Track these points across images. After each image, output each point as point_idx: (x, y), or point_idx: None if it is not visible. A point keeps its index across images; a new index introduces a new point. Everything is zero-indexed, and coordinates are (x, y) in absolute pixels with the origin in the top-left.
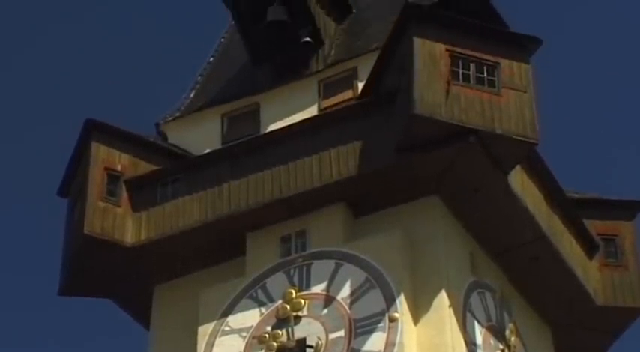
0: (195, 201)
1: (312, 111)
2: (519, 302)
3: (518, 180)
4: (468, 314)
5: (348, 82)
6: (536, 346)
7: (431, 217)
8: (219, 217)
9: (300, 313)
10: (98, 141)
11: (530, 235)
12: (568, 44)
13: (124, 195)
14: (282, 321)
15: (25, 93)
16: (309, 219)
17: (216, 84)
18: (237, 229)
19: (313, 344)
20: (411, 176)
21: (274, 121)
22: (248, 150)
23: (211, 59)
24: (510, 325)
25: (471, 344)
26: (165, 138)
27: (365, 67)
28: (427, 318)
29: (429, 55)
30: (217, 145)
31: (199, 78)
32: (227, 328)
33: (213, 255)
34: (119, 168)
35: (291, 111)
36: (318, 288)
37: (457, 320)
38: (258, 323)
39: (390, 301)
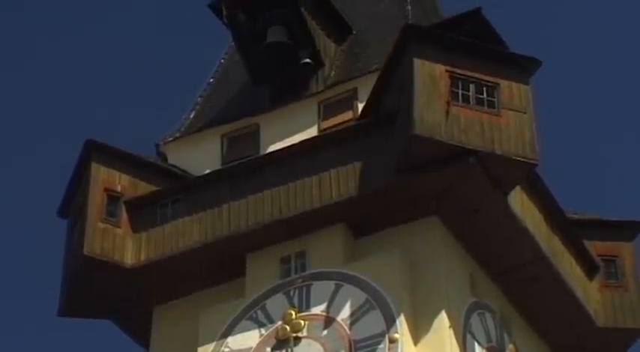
0: (195, 222)
1: (312, 132)
2: (519, 323)
3: (518, 201)
4: (468, 335)
5: (348, 102)
6: None
7: (431, 238)
8: (218, 238)
9: (300, 334)
10: (98, 161)
11: (531, 256)
12: (567, 65)
13: (124, 215)
14: (282, 342)
15: (25, 114)
16: (309, 239)
17: (216, 104)
18: (237, 250)
19: None
20: (410, 196)
21: (274, 142)
22: (248, 170)
23: (211, 80)
24: (510, 346)
25: None
26: (165, 159)
27: (365, 87)
28: (427, 339)
29: (429, 76)
30: (217, 166)
31: (199, 98)
32: (227, 349)
33: (213, 276)
34: (119, 188)
35: (291, 132)
36: (318, 309)
37: (457, 341)
38: (257, 345)
39: (390, 322)
